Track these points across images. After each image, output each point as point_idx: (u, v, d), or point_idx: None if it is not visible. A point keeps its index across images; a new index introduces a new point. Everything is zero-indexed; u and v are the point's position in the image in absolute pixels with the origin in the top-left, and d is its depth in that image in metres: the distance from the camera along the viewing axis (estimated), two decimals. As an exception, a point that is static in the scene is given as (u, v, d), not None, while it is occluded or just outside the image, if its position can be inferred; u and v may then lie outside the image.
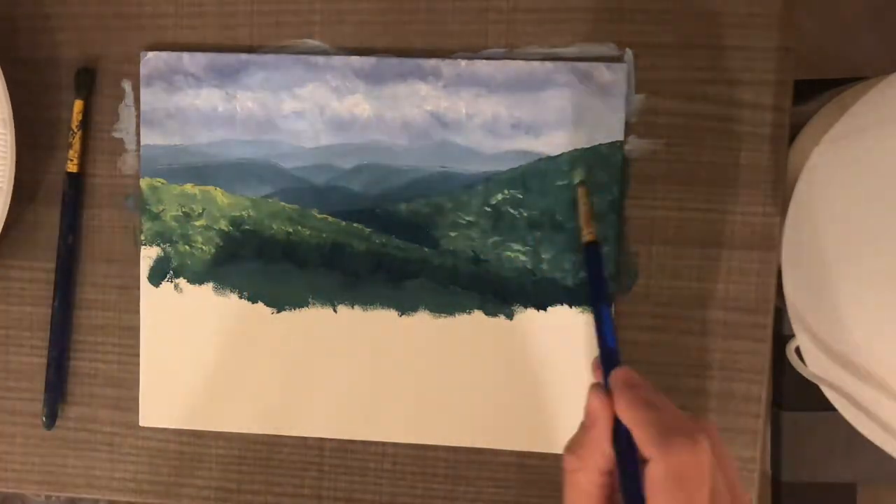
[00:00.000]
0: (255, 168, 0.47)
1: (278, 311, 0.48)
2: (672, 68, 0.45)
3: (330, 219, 0.47)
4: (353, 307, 0.48)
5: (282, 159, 0.47)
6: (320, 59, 0.47)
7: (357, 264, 0.47)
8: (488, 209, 0.46)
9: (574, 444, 0.36)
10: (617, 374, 0.37)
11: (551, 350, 0.47)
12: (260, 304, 0.48)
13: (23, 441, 0.51)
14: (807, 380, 0.43)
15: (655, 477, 0.33)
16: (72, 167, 0.48)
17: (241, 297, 0.48)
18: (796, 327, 0.43)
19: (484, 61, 0.46)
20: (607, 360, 0.39)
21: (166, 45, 0.48)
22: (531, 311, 0.47)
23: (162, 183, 0.48)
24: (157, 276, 0.48)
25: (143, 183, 0.48)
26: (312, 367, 0.48)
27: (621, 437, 0.35)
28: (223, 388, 0.49)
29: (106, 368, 0.50)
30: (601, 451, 0.35)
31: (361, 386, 0.48)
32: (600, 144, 0.45)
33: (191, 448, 0.50)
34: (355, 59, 0.46)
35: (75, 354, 0.50)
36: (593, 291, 0.42)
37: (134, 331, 0.49)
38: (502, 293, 0.47)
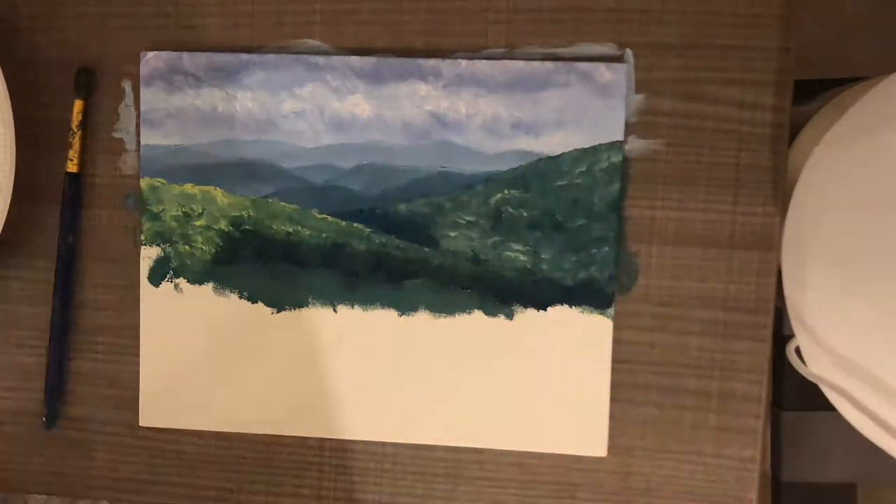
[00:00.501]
0: (255, 168, 0.47)
1: (278, 311, 0.48)
2: (672, 68, 0.45)
3: (330, 219, 0.47)
4: (353, 307, 0.48)
5: (282, 159, 0.47)
6: (320, 59, 0.47)
7: (357, 264, 0.47)
8: (488, 209, 0.46)
9: None
10: None
11: (551, 350, 0.47)
12: (260, 304, 0.48)
13: (23, 441, 0.51)
14: (807, 380, 0.43)
15: None
16: (72, 167, 0.48)
17: (241, 297, 0.48)
18: (796, 327, 0.43)
19: (484, 61, 0.46)
20: None
21: (166, 45, 0.48)
22: (531, 311, 0.47)
23: (162, 183, 0.48)
24: (157, 276, 0.48)
25: (143, 183, 0.48)
26: (312, 367, 0.48)
27: None
28: (223, 388, 0.49)
29: (106, 368, 0.50)
30: None
31: (361, 386, 0.48)
32: (600, 144, 0.45)
33: (191, 448, 0.50)
34: (355, 59, 0.46)
35: (75, 354, 0.50)
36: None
37: (134, 331, 0.49)
38: (502, 293, 0.47)
